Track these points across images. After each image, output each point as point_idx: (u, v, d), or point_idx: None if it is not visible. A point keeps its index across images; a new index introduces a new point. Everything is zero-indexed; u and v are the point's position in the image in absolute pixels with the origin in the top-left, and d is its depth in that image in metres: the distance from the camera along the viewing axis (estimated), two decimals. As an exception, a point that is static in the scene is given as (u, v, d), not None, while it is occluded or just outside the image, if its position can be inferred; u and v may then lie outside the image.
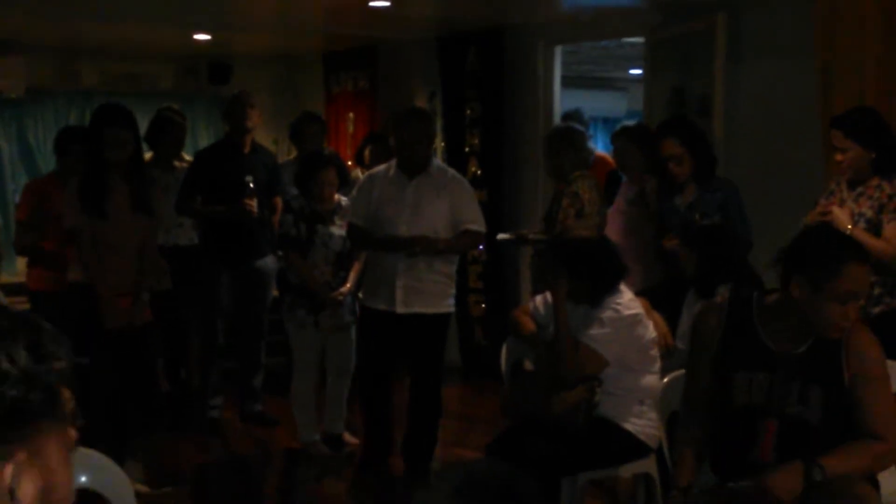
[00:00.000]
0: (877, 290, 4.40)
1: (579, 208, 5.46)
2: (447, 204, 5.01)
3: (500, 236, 6.34)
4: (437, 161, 5.25)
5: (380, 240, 5.02)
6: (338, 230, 5.58)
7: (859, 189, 4.44)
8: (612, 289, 3.98)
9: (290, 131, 6.92)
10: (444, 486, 1.37)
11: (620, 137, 5.65)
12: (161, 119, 6.56)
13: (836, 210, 4.40)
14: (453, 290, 5.18)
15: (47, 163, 8.97)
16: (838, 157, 4.45)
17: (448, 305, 5.17)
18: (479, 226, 5.13)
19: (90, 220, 4.83)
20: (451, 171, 5.36)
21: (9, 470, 1.18)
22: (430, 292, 5.02)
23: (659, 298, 4.36)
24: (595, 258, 4.03)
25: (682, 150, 4.80)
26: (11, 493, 1.18)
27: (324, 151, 6.05)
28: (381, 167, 5.28)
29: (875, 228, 4.32)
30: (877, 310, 4.38)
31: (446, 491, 1.36)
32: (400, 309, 4.97)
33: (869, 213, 4.35)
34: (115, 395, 4.83)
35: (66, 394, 1.25)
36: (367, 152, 7.09)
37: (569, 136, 5.67)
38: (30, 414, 1.19)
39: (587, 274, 3.96)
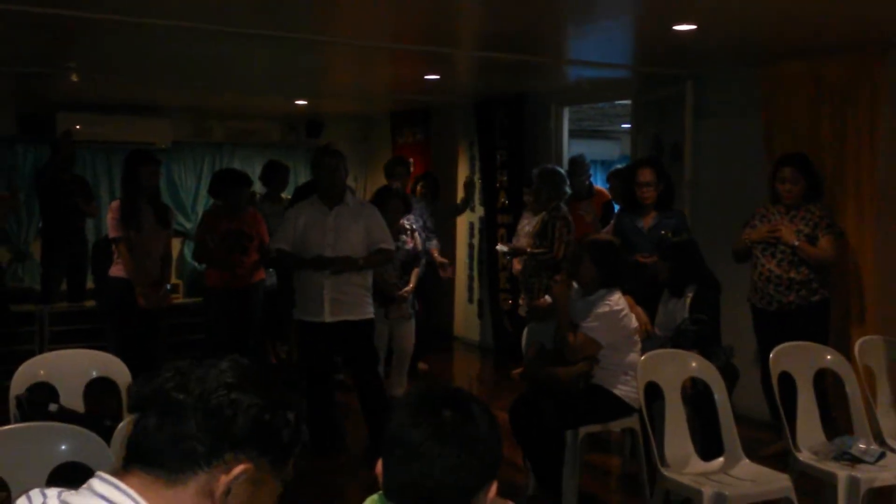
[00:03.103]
0: (815, 285, 4.45)
1: (571, 228, 5.52)
2: (363, 228, 4.61)
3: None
4: (350, 191, 4.78)
5: (309, 261, 4.54)
6: (402, 244, 5.59)
7: (792, 212, 4.48)
8: (613, 285, 3.95)
9: (385, 171, 6.84)
10: (408, 397, 1.40)
11: (614, 177, 5.68)
12: (272, 165, 6.71)
13: (783, 229, 4.44)
14: (370, 299, 4.75)
15: (187, 196, 9.17)
16: (787, 186, 4.46)
17: (368, 312, 4.71)
18: (388, 244, 4.76)
19: (129, 232, 4.96)
20: (363, 199, 4.79)
21: (240, 467, 1.17)
22: (351, 302, 4.60)
23: (641, 296, 4.33)
24: (617, 255, 4.01)
25: (654, 178, 4.74)
26: (228, 490, 1.17)
27: (392, 186, 6.02)
28: (305, 201, 4.82)
29: (811, 240, 4.44)
30: (815, 298, 4.47)
31: (407, 399, 1.38)
32: (328, 318, 4.55)
33: (806, 230, 4.45)
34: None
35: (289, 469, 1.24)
36: (418, 187, 7.07)
37: (551, 175, 5.65)
38: (271, 448, 1.20)
39: (605, 264, 3.92)
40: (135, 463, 1.17)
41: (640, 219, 4.79)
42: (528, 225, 6.13)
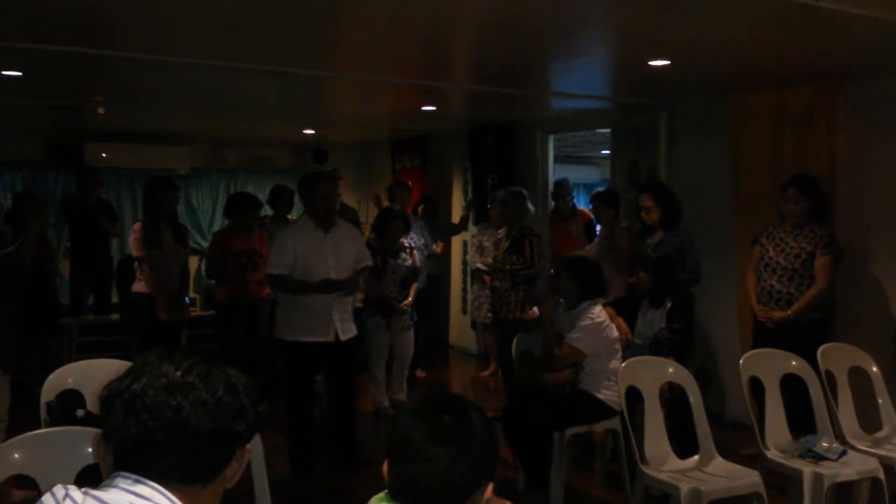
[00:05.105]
0: (815, 303, 4.34)
1: (543, 245, 5.50)
2: (354, 248, 4.51)
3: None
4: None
5: (318, 284, 4.28)
6: (402, 261, 5.58)
7: (796, 231, 4.41)
8: (593, 297, 3.96)
9: (389, 193, 6.84)
10: (412, 401, 1.39)
11: (595, 200, 5.67)
12: (277, 190, 6.68)
13: (773, 315, 4.35)
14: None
15: (205, 217, 9.16)
16: (790, 206, 4.38)
17: (355, 328, 4.58)
18: (370, 261, 4.70)
19: (151, 251, 4.95)
20: (345, 221, 4.72)
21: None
22: (349, 320, 4.49)
23: (622, 307, 4.37)
24: (591, 269, 4.05)
25: (652, 203, 4.74)
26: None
27: (394, 208, 6.03)
28: (295, 225, 4.55)
29: (812, 257, 4.32)
30: (815, 315, 4.36)
31: (411, 403, 1.38)
32: (342, 337, 4.36)
33: (808, 248, 4.34)
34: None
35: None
36: (419, 208, 7.11)
37: (518, 196, 5.62)
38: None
39: (582, 278, 3.95)
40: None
41: (650, 238, 4.81)
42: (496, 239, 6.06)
